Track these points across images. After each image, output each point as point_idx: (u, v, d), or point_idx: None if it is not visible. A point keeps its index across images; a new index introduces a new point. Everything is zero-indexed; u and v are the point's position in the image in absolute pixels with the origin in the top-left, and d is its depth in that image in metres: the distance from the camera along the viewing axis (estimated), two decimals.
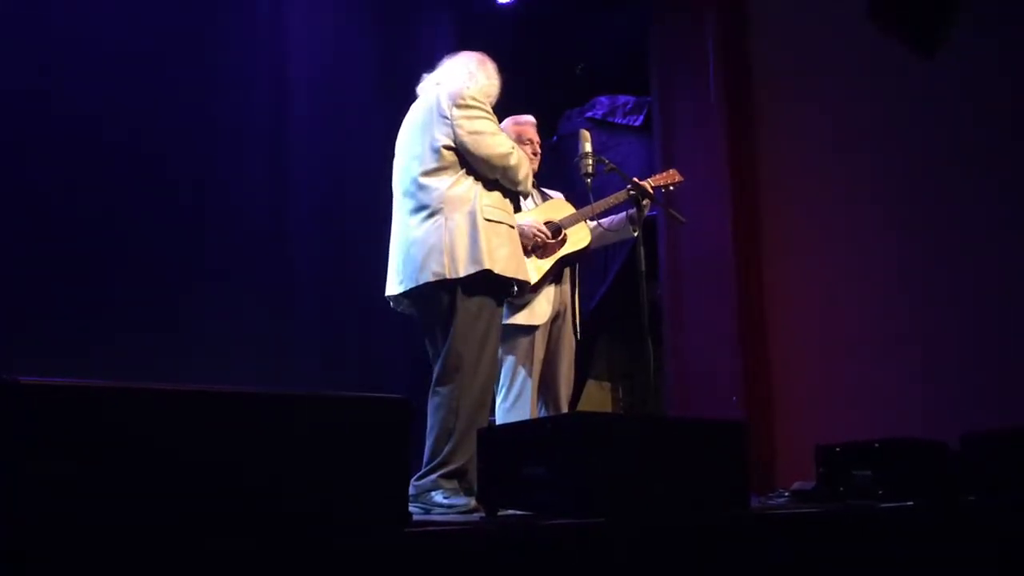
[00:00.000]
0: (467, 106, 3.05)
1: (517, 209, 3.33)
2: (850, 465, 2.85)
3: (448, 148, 3.03)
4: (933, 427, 3.16)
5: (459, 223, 2.96)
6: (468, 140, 3.01)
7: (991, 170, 3.73)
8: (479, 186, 3.04)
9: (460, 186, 3.02)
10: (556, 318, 3.73)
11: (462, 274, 2.92)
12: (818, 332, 4.38)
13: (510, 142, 3.13)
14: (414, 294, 3.05)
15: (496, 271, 2.95)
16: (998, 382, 3.57)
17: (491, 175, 3.07)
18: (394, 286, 3.11)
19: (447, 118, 3.04)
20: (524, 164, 3.14)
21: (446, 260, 2.93)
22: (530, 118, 3.83)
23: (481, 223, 2.97)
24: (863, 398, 4.07)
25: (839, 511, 2.56)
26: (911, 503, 2.60)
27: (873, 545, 2.31)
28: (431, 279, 2.95)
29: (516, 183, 3.12)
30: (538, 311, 3.63)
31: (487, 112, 3.10)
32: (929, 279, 3.93)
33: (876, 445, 2.83)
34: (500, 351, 3.32)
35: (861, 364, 4.15)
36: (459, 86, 3.15)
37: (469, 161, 3.05)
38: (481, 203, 3.01)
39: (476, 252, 2.92)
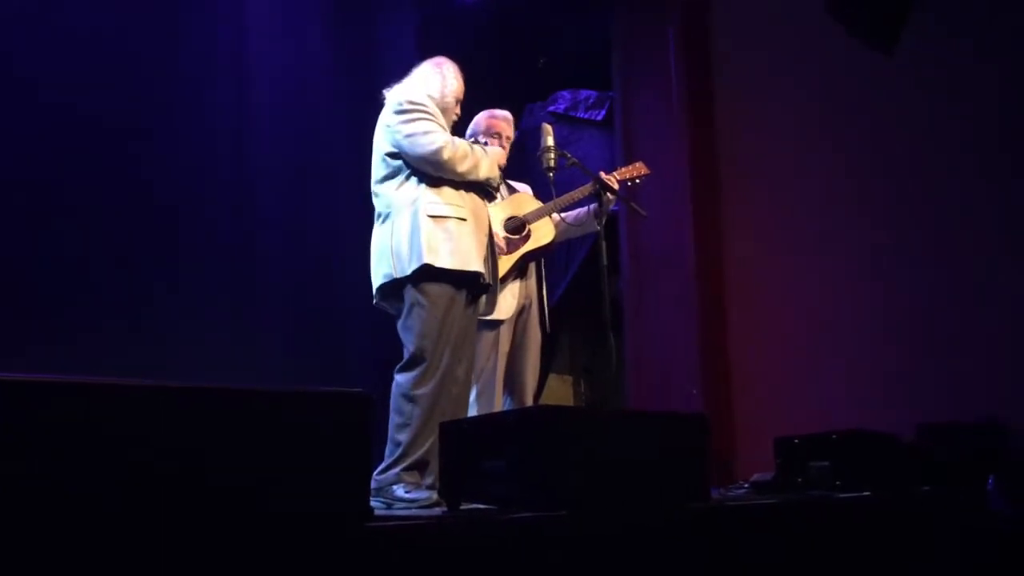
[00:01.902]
0: (404, 111, 3.09)
1: (490, 199, 3.33)
2: (808, 456, 2.90)
3: (391, 155, 3.11)
4: (890, 419, 3.22)
5: (402, 223, 3.03)
6: (405, 144, 3.07)
7: (950, 164, 3.79)
8: (423, 185, 3.08)
9: (405, 188, 3.08)
10: (521, 312, 3.76)
11: (408, 271, 2.98)
12: (778, 326, 4.43)
13: (444, 137, 3.10)
14: (379, 296, 3.14)
15: (437, 265, 2.97)
16: (953, 375, 3.63)
17: (434, 173, 3.08)
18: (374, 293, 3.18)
19: (389, 126, 3.10)
20: (467, 157, 3.11)
21: (393, 261, 3.02)
22: (504, 113, 3.81)
23: (423, 220, 3.00)
24: (821, 391, 4.12)
25: (797, 501, 2.60)
26: (868, 493, 2.65)
27: (831, 534, 2.35)
28: (384, 280, 3.06)
29: (461, 175, 3.10)
30: (503, 306, 3.64)
31: (425, 113, 3.10)
32: (887, 274, 3.98)
33: (834, 437, 2.87)
34: None
35: (820, 357, 4.20)
36: (402, 93, 3.16)
37: (411, 163, 3.08)
38: (425, 201, 3.04)
39: (417, 249, 2.97)
